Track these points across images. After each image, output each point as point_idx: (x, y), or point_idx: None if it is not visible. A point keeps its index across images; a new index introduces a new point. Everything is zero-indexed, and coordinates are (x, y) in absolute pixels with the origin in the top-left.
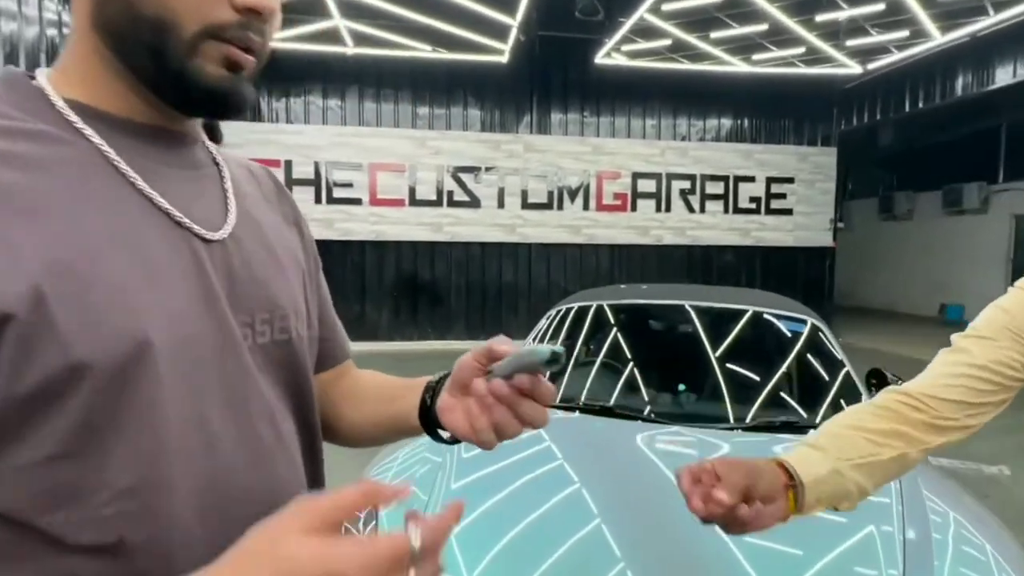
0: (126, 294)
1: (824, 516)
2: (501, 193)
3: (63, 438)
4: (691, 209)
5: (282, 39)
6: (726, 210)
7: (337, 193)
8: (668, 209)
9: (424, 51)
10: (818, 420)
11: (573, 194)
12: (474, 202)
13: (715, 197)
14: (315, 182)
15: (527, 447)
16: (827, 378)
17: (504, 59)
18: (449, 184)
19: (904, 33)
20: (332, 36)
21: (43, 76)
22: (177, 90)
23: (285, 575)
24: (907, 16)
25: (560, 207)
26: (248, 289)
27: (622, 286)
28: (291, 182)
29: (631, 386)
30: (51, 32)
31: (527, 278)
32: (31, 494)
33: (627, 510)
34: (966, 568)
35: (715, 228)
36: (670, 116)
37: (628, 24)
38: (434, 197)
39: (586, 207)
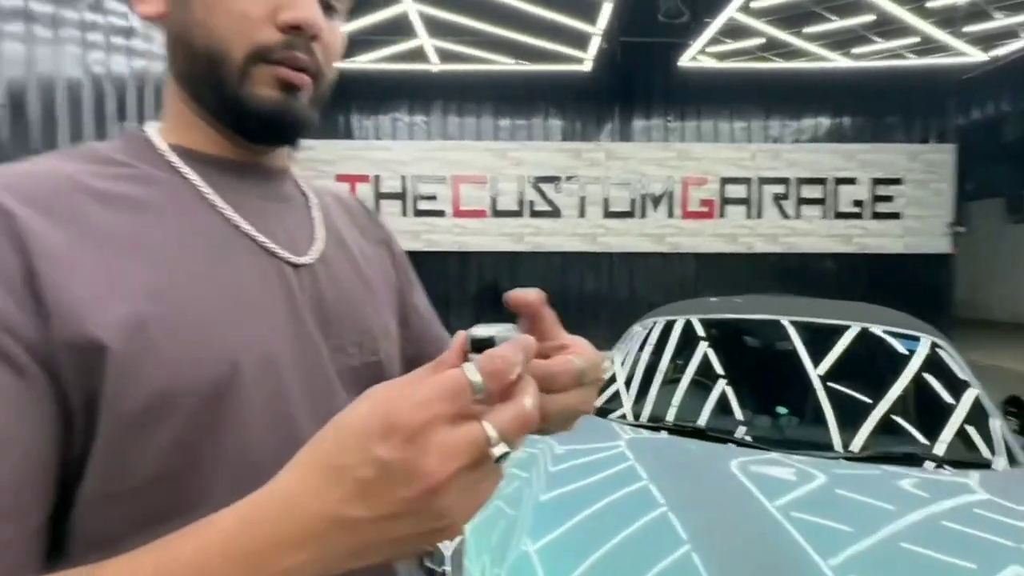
0: (219, 321)
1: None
2: (582, 202)
3: (160, 462)
4: (785, 215)
5: (371, 60)
6: (825, 215)
7: (422, 206)
8: (759, 215)
9: (506, 64)
10: (942, 451)
11: (657, 201)
12: (555, 212)
13: (812, 201)
14: (401, 196)
15: (613, 465)
16: (951, 402)
17: (586, 67)
18: (530, 194)
19: None
20: (418, 55)
21: (151, 127)
22: (237, 117)
23: (343, 441)
24: None
25: (643, 215)
26: (337, 312)
27: (713, 299)
28: (379, 196)
29: (724, 407)
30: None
31: (609, 288)
32: (128, 517)
33: (720, 538)
34: None
35: (812, 235)
36: (761, 118)
37: (715, 25)
38: (515, 207)
39: (671, 215)
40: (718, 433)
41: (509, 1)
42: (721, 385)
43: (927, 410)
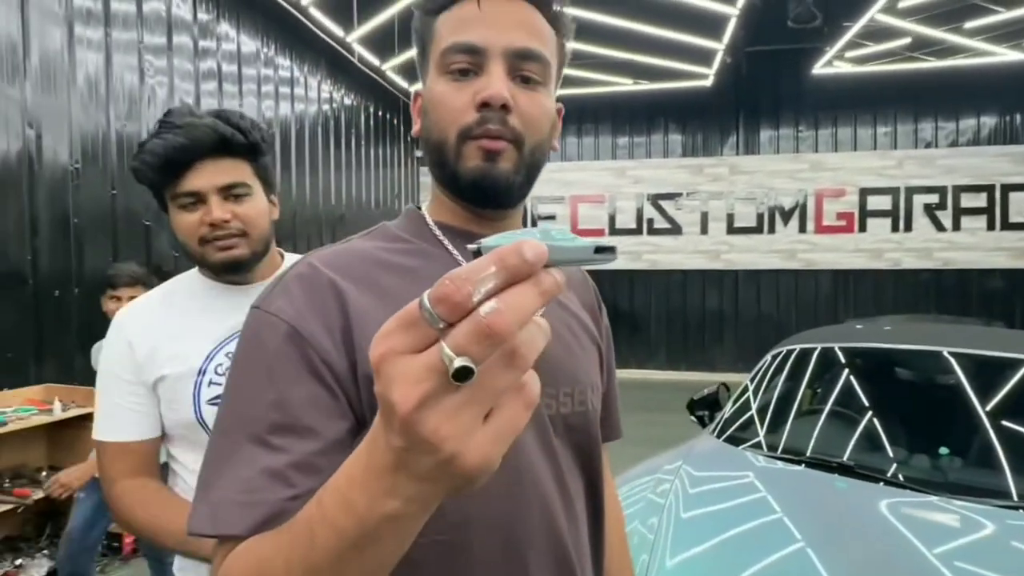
0: None
1: None
2: (704, 218)
3: None
4: (940, 227)
5: None
6: (990, 227)
7: (541, 226)
8: (908, 228)
9: (625, 84)
10: None
11: (786, 216)
12: (675, 229)
13: (974, 211)
14: (522, 217)
15: (746, 494)
16: None
17: (708, 83)
18: (649, 212)
19: None
20: None
21: (424, 206)
22: (457, 188)
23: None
24: None
25: (771, 230)
26: (555, 365)
27: (858, 325)
28: None
29: (871, 443)
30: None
31: (734, 307)
32: None
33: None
34: None
35: (975, 249)
36: (909, 121)
37: (855, 28)
38: (633, 225)
39: (802, 229)
40: (864, 470)
41: (631, 26)
42: (868, 419)
43: None
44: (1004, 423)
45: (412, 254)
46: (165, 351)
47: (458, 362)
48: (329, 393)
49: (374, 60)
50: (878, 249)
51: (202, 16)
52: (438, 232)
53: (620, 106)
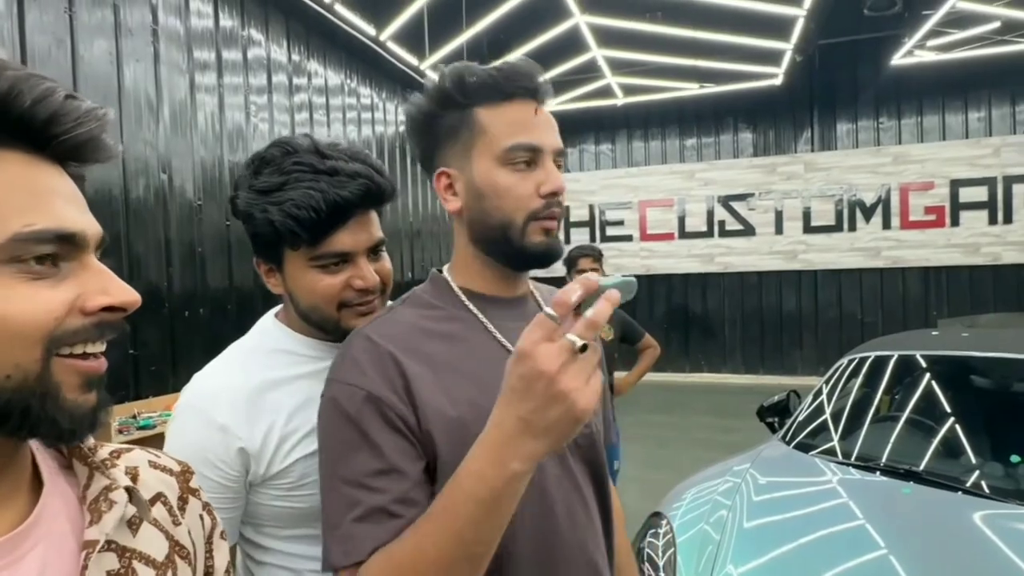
0: None
1: None
2: (779, 218)
3: None
4: None
5: (562, 102)
6: None
7: (609, 232)
8: (1008, 220)
9: (691, 89)
10: None
11: (868, 212)
12: (748, 230)
13: None
14: (590, 223)
15: (820, 500)
16: None
17: (777, 81)
18: (720, 213)
19: None
20: (604, 92)
21: (447, 272)
22: (521, 260)
23: (508, 374)
24: None
25: (852, 228)
26: None
27: (934, 332)
28: (569, 225)
29: (947, 451)
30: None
31: (813, 308)
32: None
33: None
34: None
35: None
36: (1006, 105)
37: (935, 17)
38: (704, 228)
39: (886, 226)
40: (937, 478)
41: (694, 34)
42: (943, 428)
43: None
44: None
45: (446, 320)
46: (287, 429)
47: (579, 342)
48: (408, 442)
49: None
50: (974, 244)
51: (295, 57)
52: (464, 298)
53: (687, 109)
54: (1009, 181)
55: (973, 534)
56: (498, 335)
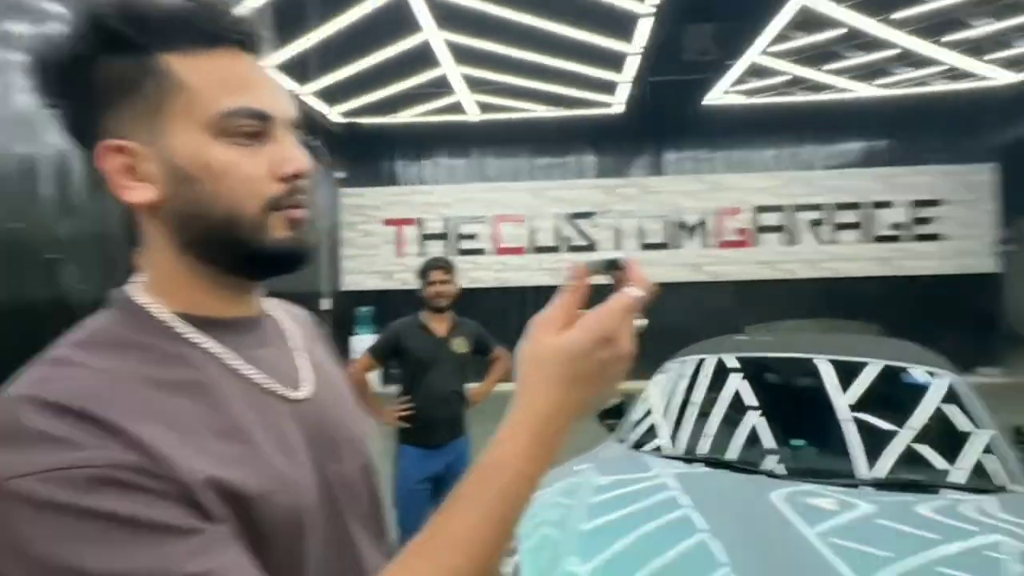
0: (283, 472)
1: None
2: (618, 235)
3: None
4: (822, 240)
5: (415, 115)
6: (863, 239)
7: (464, 245)
8: (796, 242)
9: (541, 111)
10: (955, 479)
11: (691, 232)
12: (591, 246)
13: (849, 226)
14: (444, 236)
15: (651, 495)
16: (963, 434)
17: (618, 110)
18: (566, 230)
19: None
20: (457, 108)
21: (143, 294)
22: (259, 264)
23: (575, 360)
24: None
25: (678, 246)
26: (336, 433)
27: (743, 337)
28: (424, 237)
29: (756, 440)
30: None
31: (649, 318)
32: None
33: (760, 558)
34: None
35: (853, 259)
36: (793, 146)
37: (737, 68)
38: (553, 243)
39: (706, 244)
40: (750, 466)
41: (540, 60)
42: (753, 420)
43: (941, 442)
44: (857, 417)
45: (168, 364)
46: None
47: (641, 323)
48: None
49: (295, 85)
50: (772, 261)
51: None
52: (183, 328)
53: (538, 130)
54: (795, 209)
55: (773, 510)
56: (242, 367)
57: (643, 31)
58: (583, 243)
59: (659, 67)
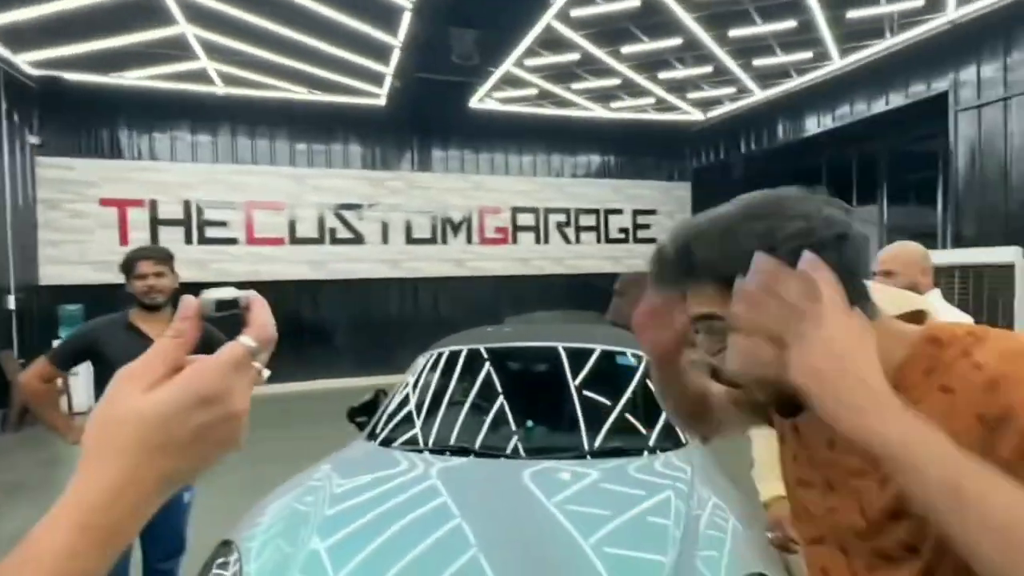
0: None
1: None
2: (385, 229)
3: None
4: (567, 240)
5: (144, 76)
6: (599, 240)
7: (210, 233)
8: (546, 241)
9: (300, 93)
10: (652, 442)
11: (456, 228)
12: (358, 238)
13: (589, 229)
14: (185, 222)
15: (402, 489)
16: (657, 405)
17: (382, 101)
18: (331, 221)
19: (732, 90)
20: (200, 76)
21: None
22: None
23: (161, 425)
24: (733, 76)
25: (444, 241)
26: None
27: (488, 328)
28: (157, 222)
29: (498, 426)
30: None
31: (414, 312)
32: None
33: (502, 538)
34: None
35: (590, 257)
36: (545, 154)
37: (496, 75)
38: (315, 234)
39: (469, 240)
40: (495, 451)
41: (296, 37)
42: (496, 407)
43: (642, 415)
44: (574, 398)
45: None
46: None
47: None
48: None
49: None
50: (526, 258)
51: None
52: None
53: (298, 113)
54: (547, 212)
55: (518, 487)
56: None
57: (404, 25)
58: (349, 235)
59: (425, 64)
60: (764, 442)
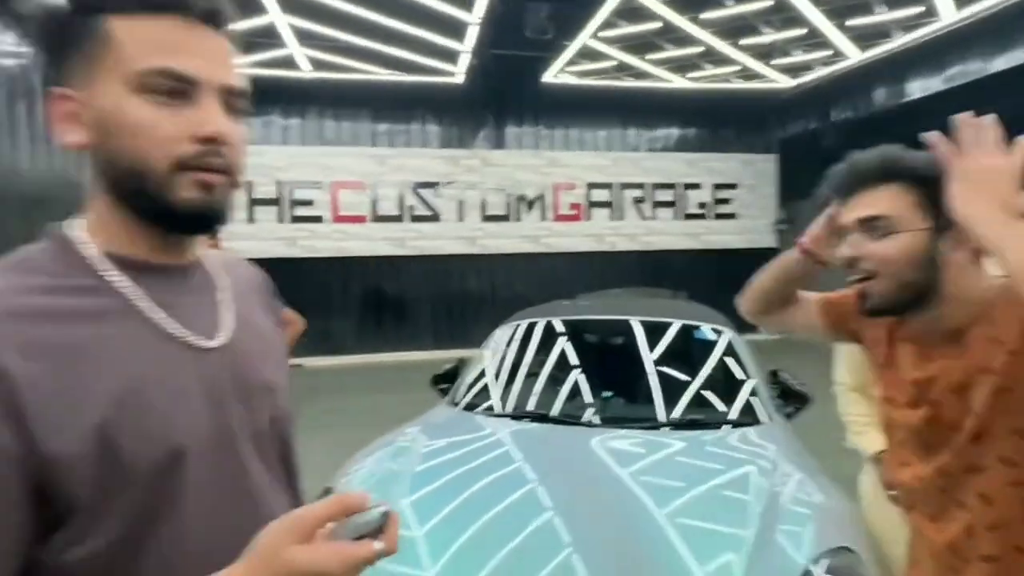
0: (165, 415)
1: None
2: (461, 207)
3: (117, 531)
4: (643, 216)
5: (243, 66)
6: (676, 216)
7: (298, 211)
8: (621, 217)
9: (381, 74)
10: (731, 417)
11: (531, 205)
12: (434, 216)
13: (666, 204)
14: (277, 201)
15: (483, 452)
16: (736, 380)
17: (459, 80)
18: (410, 199)
19: (824, 53)
20: (289, 62)
21: (80, 230)
22: (166, 218)
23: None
24: (826, 39)
25: (518, 218)
26: (249, 381)
27: (565, 302)
28: (253, 202)
29: (576, 395)
30: None
31: (490, 288)
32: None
33: (577, 502)
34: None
35: (666, 233)
36: (621, 128)
37: (572, 48)
38: (396, 212)
39: (543, 218)
40: (572, 419)
41: (377, 19)
42: (574, 376)
43: (719, 387)
44: (652, 370)
45: (69, 293)
46: None
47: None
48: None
49: None
50: (600, 234)
51: None
52: (104, 266)
53: (379, 95)
54: (622, 187)
55: (594, 454)
56: (147, 310)
57: (481, 1)
58: (427, 213)
59: (500, 41)
60: (853, 396)
